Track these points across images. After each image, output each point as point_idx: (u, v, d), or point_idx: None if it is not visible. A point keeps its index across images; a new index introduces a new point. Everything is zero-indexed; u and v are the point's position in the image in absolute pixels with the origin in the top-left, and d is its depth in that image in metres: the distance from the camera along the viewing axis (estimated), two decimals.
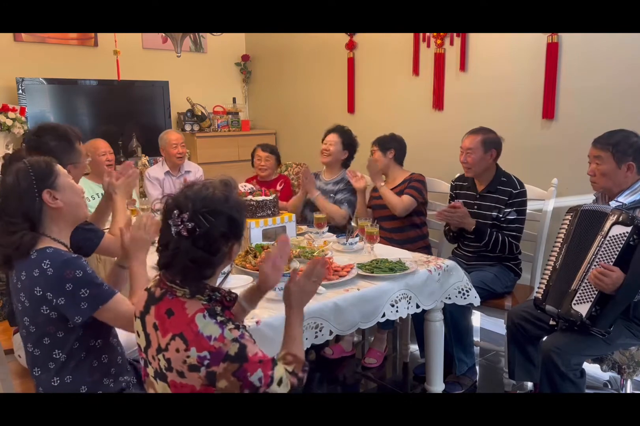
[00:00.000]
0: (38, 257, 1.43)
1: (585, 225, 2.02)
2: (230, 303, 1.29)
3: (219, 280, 1.37)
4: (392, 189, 2.90)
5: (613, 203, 2.02)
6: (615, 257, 1.88)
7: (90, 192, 3.05)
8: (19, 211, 1.46)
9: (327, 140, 3.12)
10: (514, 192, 2.54)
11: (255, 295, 1.47)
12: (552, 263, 2.11)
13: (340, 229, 2.89)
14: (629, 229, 1.86)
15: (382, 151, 2.96)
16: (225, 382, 1.18)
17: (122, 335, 1.67)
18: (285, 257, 1.47)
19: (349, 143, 3.12)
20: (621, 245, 1.87)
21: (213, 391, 1.20)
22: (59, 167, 1.56)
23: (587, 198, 2.18)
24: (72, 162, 2.02)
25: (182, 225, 1.18)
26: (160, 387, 1.27)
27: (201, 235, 1.19)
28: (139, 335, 1.33)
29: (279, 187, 3.35)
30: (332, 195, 3.08)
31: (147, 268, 1.69)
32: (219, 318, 1.21)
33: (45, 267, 1.41)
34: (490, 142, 2.56)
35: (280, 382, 1.23)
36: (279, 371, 1.24)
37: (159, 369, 1.25)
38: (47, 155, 1.92)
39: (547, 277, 2.11)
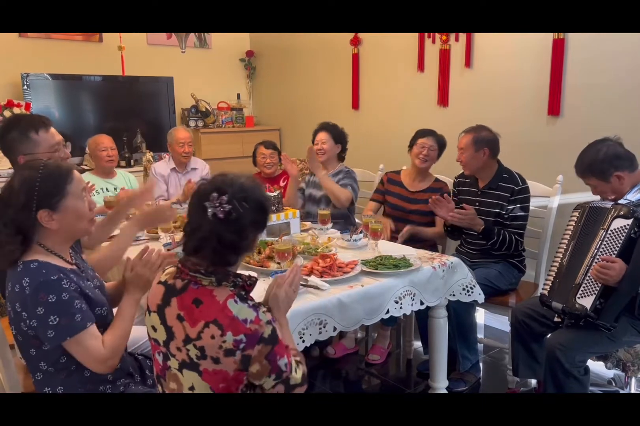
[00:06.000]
0: (22, 271, 1.36)
1: (591, 221, 2.02)
2: (250, 287, 1.32)
3: None
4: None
5: (622, 201, 2.02)
6: (617, 249, 1.89)
7: (95, 186, 3.06)
8: (12, 222, 1.37)
9: (317, 140, 3.09)
10: (516, 188, 2.53)
11: None
12: (558, 259, 2.11)
13: (344, 225, 2.88)
14: (629, 222, 1.87)
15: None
16: (258, 366, 1.22)
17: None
18: (297, 286, 1.50)
19: (339, 136, 3.09)
20: (622, 238, 1.88)
21: (244, 376, 1.24)
22: (72, 187, 1.42)
23: (592, 195, 2.17)
24: (24, 152, 1.86)
25: (219, 207, 1.21)
26: (186, 378, 1.27)
27: (235, 219, 1.22)
28: (155, 330, 1.32)
29: (282, 183, 3.35)
30: None
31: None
32: (250, 302, 1.26)
33: (24, 285, 1.33)
34: (481, 141, 2.53)
35: (296, 369, 1.29)
36: (291, 359, 1.30)
37: (188, 359, 1.26)
38: (5, 147, 1.89)
39: (553, 273, 2.11)
